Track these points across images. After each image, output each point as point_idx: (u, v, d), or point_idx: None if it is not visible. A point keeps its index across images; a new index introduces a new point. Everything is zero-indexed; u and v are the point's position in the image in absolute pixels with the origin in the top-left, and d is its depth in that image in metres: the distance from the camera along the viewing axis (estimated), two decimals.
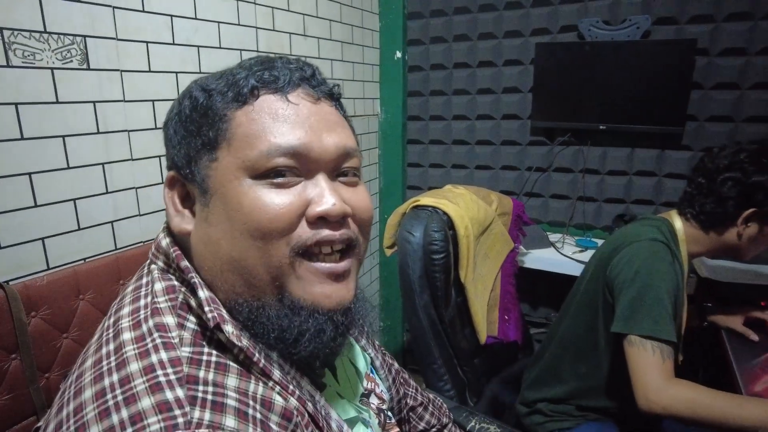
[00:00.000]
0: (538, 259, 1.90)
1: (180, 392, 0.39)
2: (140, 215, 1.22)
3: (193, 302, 0.47)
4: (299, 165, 0.47)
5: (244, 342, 0.45)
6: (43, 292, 1.04)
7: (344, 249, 0.50)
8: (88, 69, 1.07)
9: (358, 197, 0.52)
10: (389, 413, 0.67)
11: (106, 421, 0.37)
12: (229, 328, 0.45)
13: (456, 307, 1.39)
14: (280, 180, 0.47)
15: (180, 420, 0.36)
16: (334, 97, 0.53)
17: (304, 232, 0.47)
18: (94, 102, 1.09)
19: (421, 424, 0.83)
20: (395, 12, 2.22)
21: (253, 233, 0.45)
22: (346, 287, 0.50)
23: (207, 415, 0.38)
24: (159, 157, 1.25)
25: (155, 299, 0.47)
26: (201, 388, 0.40)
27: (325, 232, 0.47)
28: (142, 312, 0.46)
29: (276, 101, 0.48)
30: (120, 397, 0.38)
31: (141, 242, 1.23)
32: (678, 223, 1.19)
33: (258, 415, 0.41)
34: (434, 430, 0.85)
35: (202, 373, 0.41)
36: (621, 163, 1.94)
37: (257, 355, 0.46)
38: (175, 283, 0.49)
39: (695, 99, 1.75)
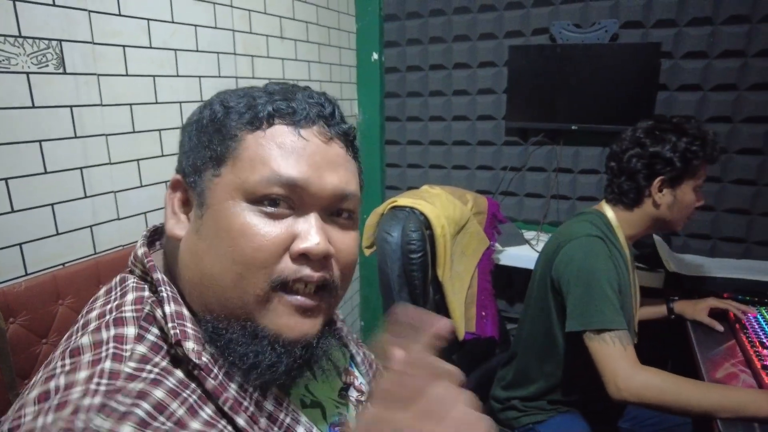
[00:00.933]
0: (514, 256, 1.95)
1: (97, 401, 0.40)
2: (119, 219, 1.22)
3: (158, 314, 0.48)
4: (294, 198, 0.49)
5: (204, 359, 0.46)
6: (22, 298, 1.04)
7: (320, 286, 0.50)
8: (65, 73, 1.07)
9: (345, 241, 0.53)
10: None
11: (37, 421, 0.39)
12: (189, 345, 0.46)
13: (434, 305, 1.43)
14: (271, 210, 0.48)
15: (80, 426, 0.38)
16: (348, 138, 0.55)
17: (287, 268, 0.48)
18: (70, 106, 1.09)
19: None
20: (371, 14, 2.24)
21: (236, 258, 0.47)
22: (312, 323, 0.51)
23: (107, 424, 0.39)
24: (137, 160, 1.25)
25: (122, 308, 0.48)
26: (120, 398, 0.41)
27: (306, 271, 0.49)
28: (107, 317, 0.48)
29: (287, 133, 0.49)
30: (55, 401, 0.41)
31: (121, 246, 1.23)
32: (609, 212, 1.27)
33: (164, 428, 0.42)
34: None
35: (131, 385, 0.42)
36: (593, 161, 2.01)
37: (215, 371, 0.47)
38: (146, 294, 0.50)
39: (661, 100, 1.82)
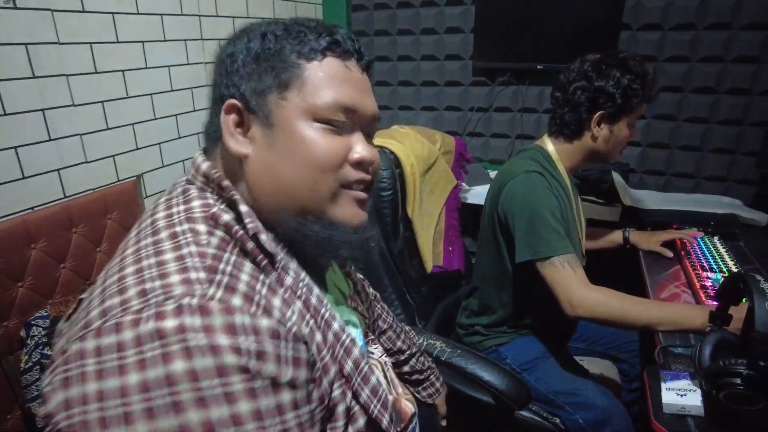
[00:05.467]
0: (480, 195, 2.01)
1: (202, 275, 0.48)
2: (87, 162, 1.21)
3: (225, 217, 0.54)
4: (348, 119, 0.59)
5: (273, 249, 0.55)
6: None
7: (367, 185, 0.62)
8: (15, 8, 1.02)
9: (377, 153, 0.64)
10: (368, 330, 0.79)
11: (142, 286, 0.46)
12: (264, 237, 0.54)
13: (404, 240, 1.49)
14: (333, 128, 0.58)
15: (198, 292, 0.46)
16: (371, 68, 0.64)
17: (350, 172, 0.59)
18: (25, 44, 1.05)
19: (394, 348, 0.94)
20: None
21: (311, 164, 0.56)
22: (365, 213, 0.63)
23: (219, 293, 0.46)
24: (102, 102, 1.22)
25: (191, 211, 0.55)
26: (218, 276, 0.48)
27: (362, 174, 0.60)
28: (175, 217, 0.54)
29: (338, 64, 0.59)
30: (155, 272, 0.48)
31: (91, 189, 1.23)
32: (549, 145, 1.33)
33: (262, 301, 0.50)
34: (405, 355, 0.98)
35: (221, 266, 0.50)
36: None
37: (279, 263, 0.55)
38: (210, 201, 0.56)
39: (624, 39, 1.85)
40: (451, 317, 1.63)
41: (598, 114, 1.24)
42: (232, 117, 0.58)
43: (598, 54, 1.27)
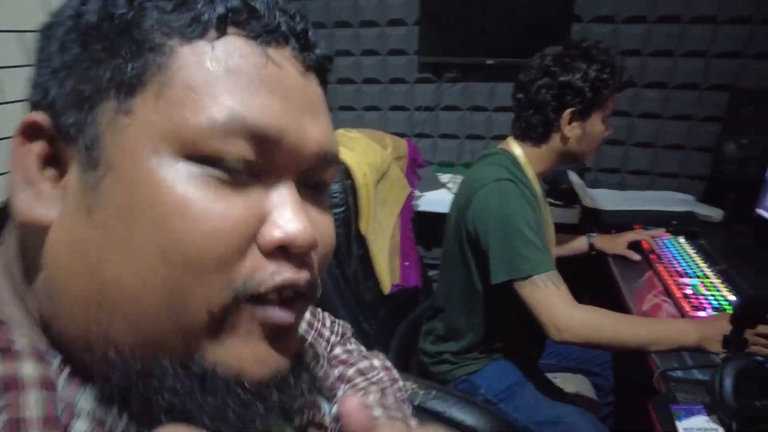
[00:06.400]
0: (431, 201, 1.88)
1: None
2: None
3: None
4: (262, 157, 0.31)
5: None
6: None
7: (299, 293, 0.33)
8: None
9: (326, 224, 0.36)
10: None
11: None
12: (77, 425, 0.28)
13: (358, 260, 1.30)
14: (226, 175, 0.30)
15: None
16: (324, 72, 0.37)
17: (260, 268, 0.30)
18: None
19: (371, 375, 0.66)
20: None
21: (170, 255, 0.28)
22: (288, 350, 0.33)
23: None
24: None
25: None
26: None
27: (287, 272, 0.31)
28: None
29: (249, 50, 0.31)
30: None
31: None
32: (516, 149, 1.20)
33: None
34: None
35: None
36: (508, 98, 1.92)
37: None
38: None
39: (576, 31, 1.77)
40: (412, 341, 1.47)
41: (567, 112, 1.11)
42: (37, 148, 0.30)
43: (558, 47, 1.15)
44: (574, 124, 1.13)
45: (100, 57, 0.30)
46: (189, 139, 0.29)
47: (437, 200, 1.86)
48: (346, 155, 1.20)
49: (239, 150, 0.29)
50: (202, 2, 0.30)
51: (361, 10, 1.96)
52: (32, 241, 0.31)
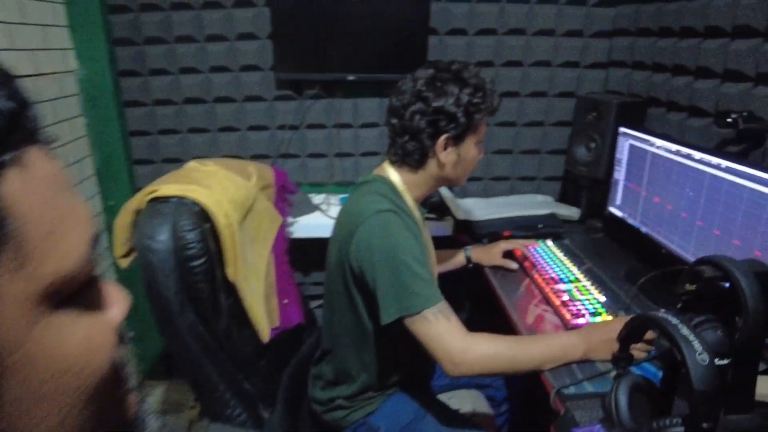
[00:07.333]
0: (306, 226, 1.75)
1: None
2: None
3: None
4: None
5: None
6: None
7: None
8: None
9: None
10: None
11: None
12: None
13: (229, 312, 1.13)
14: None
15: None
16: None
17: None
18: None
19: None
20: None
21: None
22: None
23: None
24: None
25: None
26: None
27: None
28: None
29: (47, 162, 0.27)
30: None
31: None
32: (393, 174, 1.16)
33: None
34: None
35: None
36: (372, 114, 1.89)
37: None
38: None
39: (433, 44, 1.77)
40: (301, 387, 1.33)
41: (442, 138, 1.08)
42: None
43: (429, 69, 1.10)
44: (449, 149, 1.10)
45: None
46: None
47: (312, 225, 1.75)
48: (201, 195, 1.03)
49: None
50: None
51: (205, 25, 1.76)
52: None
